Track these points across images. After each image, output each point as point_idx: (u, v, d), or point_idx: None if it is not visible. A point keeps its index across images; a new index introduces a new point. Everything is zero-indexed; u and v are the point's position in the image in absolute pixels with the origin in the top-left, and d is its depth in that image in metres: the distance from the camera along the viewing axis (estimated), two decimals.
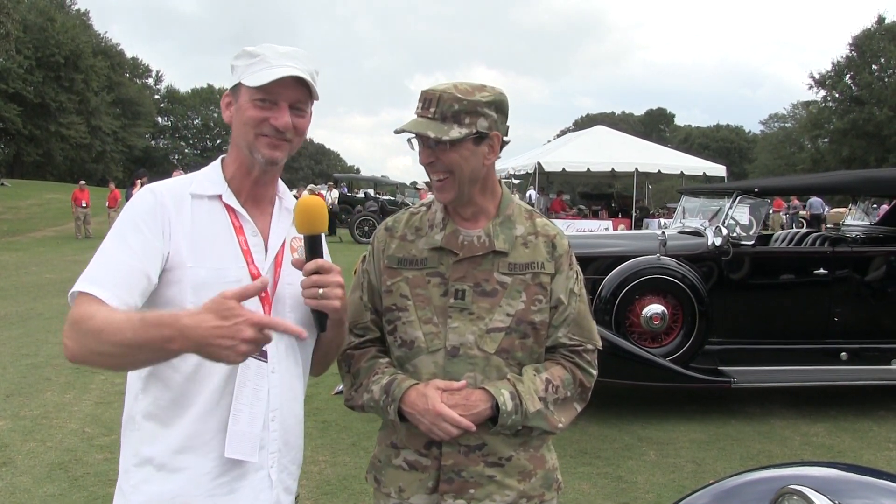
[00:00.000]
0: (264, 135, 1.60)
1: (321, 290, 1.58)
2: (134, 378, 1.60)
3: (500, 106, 1.75)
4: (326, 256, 1.67)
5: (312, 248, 1.63)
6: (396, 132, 1.74)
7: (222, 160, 1.72)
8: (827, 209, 26.07)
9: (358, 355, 1.87)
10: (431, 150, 1.71)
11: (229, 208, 1.65)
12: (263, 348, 1.57)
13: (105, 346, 1.39)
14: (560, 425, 1.80)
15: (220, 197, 1.65)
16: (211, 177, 1.67)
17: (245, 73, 1.61)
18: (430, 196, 1.90)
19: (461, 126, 1.68)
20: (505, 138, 1.79)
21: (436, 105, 1.69)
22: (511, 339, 1.76)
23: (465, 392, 1.70)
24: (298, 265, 1.64)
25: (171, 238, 1.56)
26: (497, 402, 1.69)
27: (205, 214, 1.62)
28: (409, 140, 1.78)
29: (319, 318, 1.63)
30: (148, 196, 1.59)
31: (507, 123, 1.80)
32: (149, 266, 1.52)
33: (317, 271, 1.59)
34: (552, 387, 1.77)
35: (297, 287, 1.63)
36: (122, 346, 1.38)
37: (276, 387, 1.63)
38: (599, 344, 1.90)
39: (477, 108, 1.70)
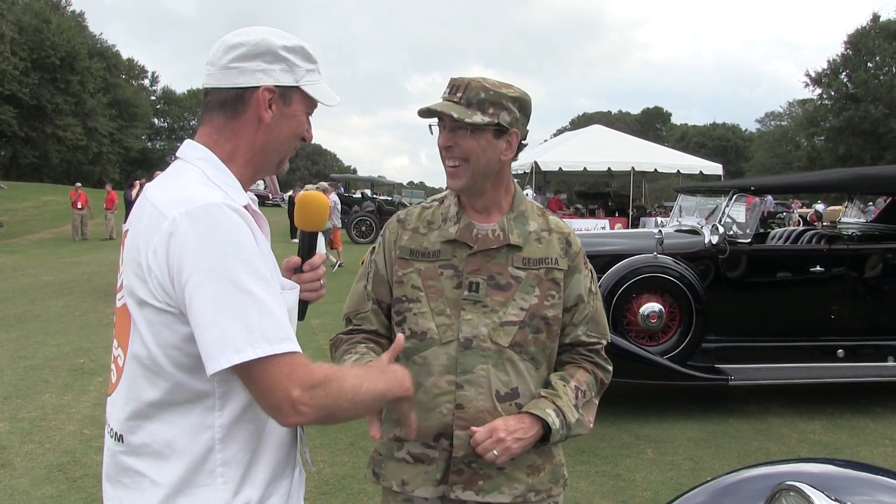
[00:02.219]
0: (294, 147, 1.52)
1: (322, 282, 1.66)
2: (197, 430, 1.34)
3: (523, 105, 1.78)
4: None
5: (312, 243, 1.69)
6: (421, 111, 1.76)
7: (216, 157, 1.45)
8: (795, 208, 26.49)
9: (345, 339, 1.91)
10: (451, 134, 1.74)
11: (254, 214, 1.45)
12: None
13: (359, 401, 1.34)
14: (591, 426, 1.87)
15: (246, 205, 1.43)
16: (230, 182, 1.41)
17: (307, 79, 1.46)
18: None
19: (484, 114, 1.71)
20: (523, 141, 1.82)
21: (463, 91, 1.73)
22: (524, 334, 1.78)
23: (517, 417, 1.74)
24: (295, 264, 1.66)
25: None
26: (547, 423, 1.73)
27: (252, 227, 1.39)
28: (430, 126, 1.81)
29: (303, 308, 1.67)
30: (240, 221, 1.30)
31: (528, 128, 1.83)
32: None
33: (319, 266, 1.66)
34: (581, 392, 1.84)
35: None
36: (375, 398, 1.38)
37: None
38: (609, 337, 1.97)
39: (502, 101, 1.73)
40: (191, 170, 1.40)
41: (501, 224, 1.81)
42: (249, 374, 1.25)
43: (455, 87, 1.74)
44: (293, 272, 1.67)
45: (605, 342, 1.92)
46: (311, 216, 1.68)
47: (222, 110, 1.43)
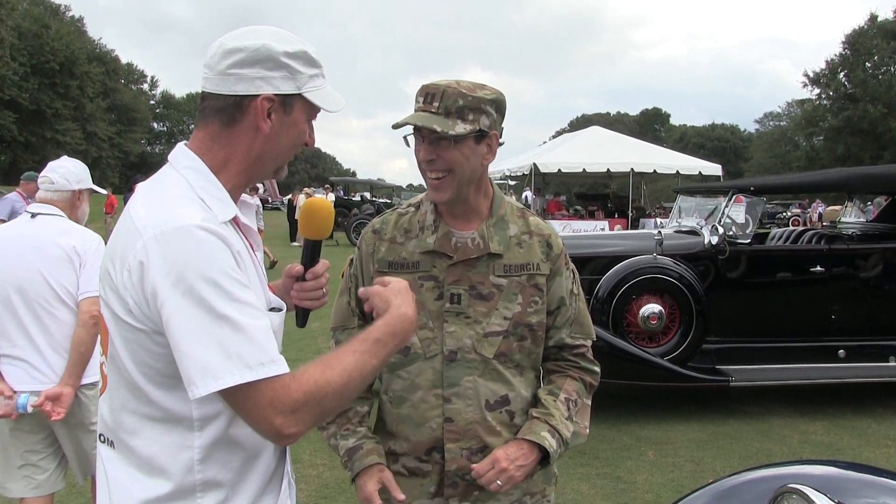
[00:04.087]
0: (293, 154, 1.46)
1: (324, 290, 1.62)
2: (177, 449, 1.32)
3: (499, 106, 1.72)
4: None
5: (315, 251, 1.64)
6: (397, 125, 1.68)
7: (202, 161, 1.38)
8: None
9: None
10: (433, 147, 1.67)
11: (241, 227, 1.40)
12: None
13: (351, 391, 1.29)
14: (587, 430, 1.86)
15: (234, 218, 1.38)
16: (217, 194, 1.35)
17: (309, 85, 1.39)
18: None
19: (465, 122, 1.64)
20: (500, 139, 1.77)
21: (440, 100, 1.64)
22: (509, 343, 1.76)
23: (515, 444, 1.72)
24: (298, 272, 1.62)
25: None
26: (544, 446, 1.73)
27: (235, 245, 1.32)
28: (405, 137, 1.73)
29: (305, 316, 1.65)
30: (219, 244, 1.25)
31: (503, 125, 1.79)
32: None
33: (322, 274, 1.62)
34: (572, 403, 1.82)
35: None
36: (371, 374, 1.34)
37: None
38: (594, 336, 1.94)
39: (480, 105, 1.66)
40: (176, 180, 1.35)
41: (481, 231, 1.77)
42: (234, 399, 1.23)
43: (430, 95, 1.65)
44: (295, 280, 1.63)
45: (590, 342, 1.90)
46: (316, 224, 1.63)
47: (219, 117, 1.37)
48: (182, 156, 1.38)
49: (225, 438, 1.33)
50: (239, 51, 1.35)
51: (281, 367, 1.23)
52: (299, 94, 1.38)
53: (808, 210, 28.79)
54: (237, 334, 1.20)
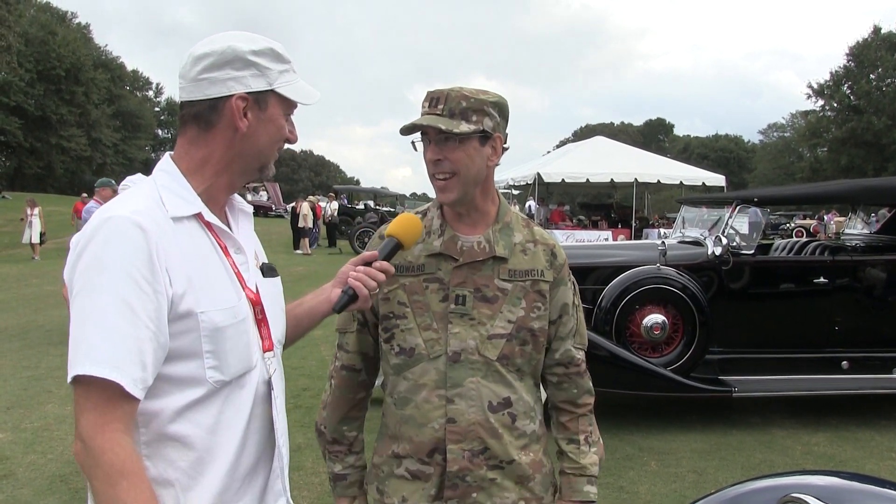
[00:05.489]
0: (277, 151, 1.49)
1: (375, 283, 1.66)
2: None
3: (502, 109, 1.78)
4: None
5: (394, 251, 1.73)
6: (405, 128, 1.74)
7: (177, 165, 1.44)
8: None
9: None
10: (439, 147, 1.72)
11: (209, 226, 1.42)
12: (269, 376, 1.51)
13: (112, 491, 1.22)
14: (602, 443, 1.96)
15: (198, 215, 1.40)
16: (180, 192, 1.38)
17: (280, 80, 1.44)
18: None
19: (469, 122, 1.70)
20: (504, 145, 1.81)
21: (444, 102, 1.71)
22: (512, 346, 1.78)
23: None
24: (372, 257, 1.69)
25: (172, 282, 1.30)
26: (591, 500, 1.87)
27: (188, 241, 1.35)
28: (413, 142, 1.79)
29: (346, 303, 1.67)
30: (136, 236, 1.26)
31: (507, 131, 1.83)
32: (162, 333, 1.28)
33: (385, 271, 1.68)
34: (589, 436, 1.92)
35: (271, 297, 1.56)
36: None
37: (280, 410, 1.55)
38: (587, 342, 2.00)
39: (483, 107, 1.72)
40: (146, 182, 1.42)
41: (487, 236, 1.80)
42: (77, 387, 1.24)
43: (434, 99, 1.73)
44: (361, 263, 1.68)
45: (585, 351, 1.97)
46: (408, 229, 1.73)
47: (196, 122, 1.41)
48: (161, 161, 1.46)
49: (167, 436, 1.31)
50: (207, 56, 1.40)
51: (115, 373, 1.21)
52: (272, 90, 1.43)
53: (824, 221, 28.57)
54: (103, 328, 1.23)
